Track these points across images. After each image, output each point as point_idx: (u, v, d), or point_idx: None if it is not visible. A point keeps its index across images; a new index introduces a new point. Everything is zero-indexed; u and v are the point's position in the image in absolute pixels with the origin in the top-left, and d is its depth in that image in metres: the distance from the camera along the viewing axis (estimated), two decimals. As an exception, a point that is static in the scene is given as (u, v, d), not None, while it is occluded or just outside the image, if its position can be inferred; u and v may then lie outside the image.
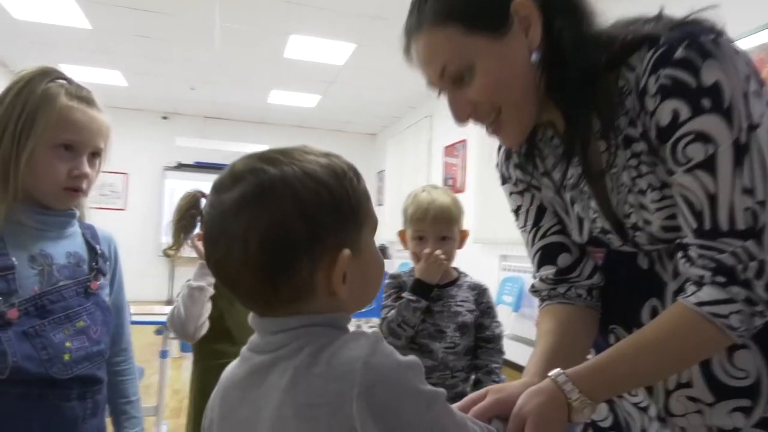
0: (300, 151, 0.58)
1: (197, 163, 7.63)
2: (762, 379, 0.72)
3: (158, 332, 2.78)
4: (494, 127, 0.77)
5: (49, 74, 0.95)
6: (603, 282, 0.89)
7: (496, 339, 1.53)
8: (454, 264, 1.58)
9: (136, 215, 7.50)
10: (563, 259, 0.88)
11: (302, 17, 4.32)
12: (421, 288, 1.47)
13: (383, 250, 7.36)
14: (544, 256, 0.90)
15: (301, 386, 0.52)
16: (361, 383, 0.49)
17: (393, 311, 1.48)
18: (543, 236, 0.90)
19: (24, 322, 0.87)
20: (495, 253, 4.78)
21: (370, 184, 8.36)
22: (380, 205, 8.07)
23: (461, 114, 0.76)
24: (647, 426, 0.83)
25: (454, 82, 0.74)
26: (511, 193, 0.94)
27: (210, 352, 1.61)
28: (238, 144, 7.86)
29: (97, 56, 5.50)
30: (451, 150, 5.81)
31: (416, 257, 1.51)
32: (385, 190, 7.85)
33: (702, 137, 0.64)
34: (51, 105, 0.91)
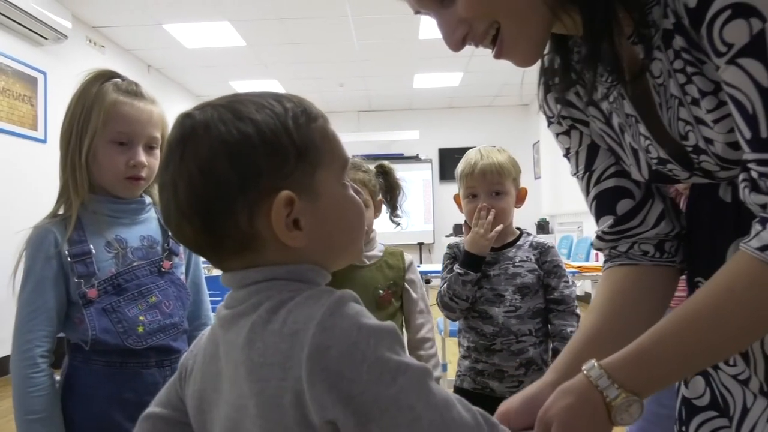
0: (250, 95, 0.55)
1: (356, 156, 8.04)
2: None
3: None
4: (497, 47, 0.63)
5: (103, 76, 1.05)
6: (676, 230, 0.72)
7: (568, 300, 1.39)
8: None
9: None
10: (623, 206, 0.72)
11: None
12: (470, 260, 1.40)
13: (543, 226, 7.01)
14: (601, 205, 0.75)
15: (255, 344, 0.49)
16: (312, 344, 0.45)
17: (445, 285, 1.44)
18: (598, 181, 0.75)
19: (103, 300, 1.00)
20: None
21: (525, 157, 8.06)
22: (538, 178, 7.70)
23: (453, 37, 0.64)
24: (750, 403, 0.65)
25: (436, 0, 0.63)
26: (558, 135, 0.79)
27: None
28: (391, 133, 8.12)
29: (255, 69, 6.08)
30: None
31: (470, 217, 1.42)
32: (541, 162, 7.46)
33: (742, 9, 0.48)
34: (101, 102, 1.01)
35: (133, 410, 0.98)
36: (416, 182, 8.05)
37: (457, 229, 7.05)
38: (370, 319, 0.48)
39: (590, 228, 5.79)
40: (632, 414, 0.55)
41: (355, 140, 8.04)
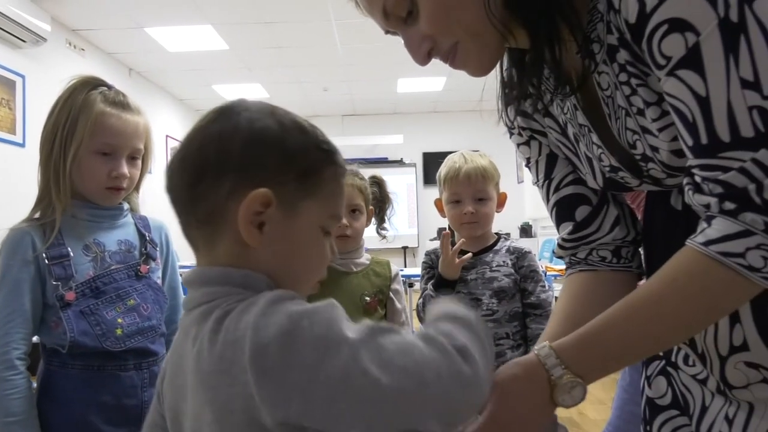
0: (298, 116, 0.60)
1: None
2: None
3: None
4: (451, 60, 0.67)
5: (89, 83, 1.05)
6: (632, 235, 0.75)
7: (544, 304, 1.41)
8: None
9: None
10: (581, 212, 0.75)
11: None
12: (442, 282, 1.42)
13: (526, 229, 7.07)
14: (561, 212, 0.78)
15: (203, 354, 0.50)
16: (251, 347, 0.45)
17: (421, 299, 1.46)
18: (557, 189, 0.78)
19: (81, 303, 1.00)
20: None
21: (509, 161, 8.12)
22: (521, 182, 7.76)
23: (419, 52, 0.67)
24: (708, 402, 0.67)
25: (401, 20, 0.66)
26: (518, 145, 0.83)
27: None
28: (375, 137, 8.13)
29: (238, 73, 6.06)
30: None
31: (454, 222, 1.45)
32: (524, 167, 7.54)
33: (678, 24, 0.50)
34: (88, 112, 1.01)
35: (110, 413, 1.00)
36: (400, 186, 8.07)
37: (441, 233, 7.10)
38: (303, 305, 0.48)
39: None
40: (574, 396, 0.56)
41: (340, 144, 7.98)
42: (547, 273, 3.88)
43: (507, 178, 8.03)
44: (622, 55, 0.58)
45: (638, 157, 0.63)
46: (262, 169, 0.53)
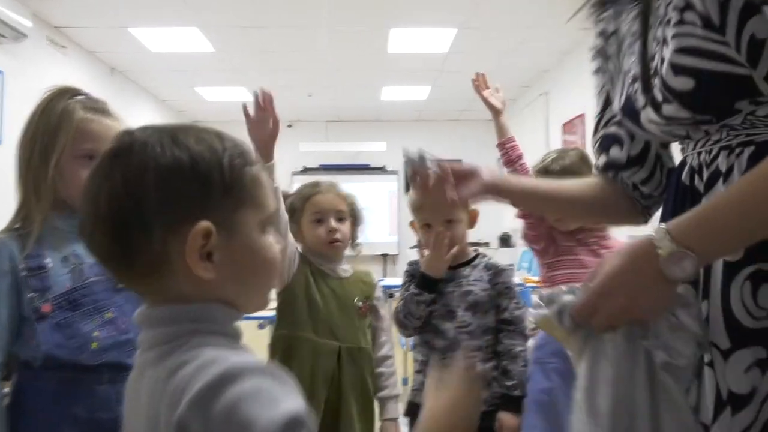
0: (194, 127, 0.57)
1: (321, 165, 8.03)
2: None
3: (260, 327, 2.94)
4: None
5: (67, 92, 1.05)
6: (656, 192, 0.84)
7: (517, 321, 1.45)
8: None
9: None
10: (614, 151, 0.85)
11: (398, 9, 4.34)
12: (425, 282, 1.45)
13: (506, 239, 7.13)
14: (600, 146, 0.88)
15: (152, 395, 0.50)
16: (179, 418, 0.46)
17: (401, 303, 1.49)
18: (605, 125, 0.87)
19: (57, 315, 0.98)
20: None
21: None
22: (502, 192, 7.84)
23: None
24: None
25: None
26: (594, 73, 0.89)
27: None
28: (358, 144, 8.15)
29: (223, 76, 6.03)
30: (569, 127, 5.45)
31: (427, 245, 1.49)
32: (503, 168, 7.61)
33: None
34: (69, 119, 1.01)
35: (84, 427, 0.98)
36: (382, 193, 8.09)
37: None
38: (252, 404, 0.46)
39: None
40: (684, 268, 0.58)
41: (323, 150, 8.06)
42: (526, 284, 3.89)
43: (488, 189, 8.16)
44: None
45: (652, 71, 0.68)
46: (186, 204, 0.52)
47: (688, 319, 0.61)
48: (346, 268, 1.55)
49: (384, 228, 8.07)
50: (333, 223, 1.50)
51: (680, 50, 0.62)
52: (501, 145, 1.89)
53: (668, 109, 0.66)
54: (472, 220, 1.54)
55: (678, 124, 0.68)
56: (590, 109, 4.27)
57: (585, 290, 0.63)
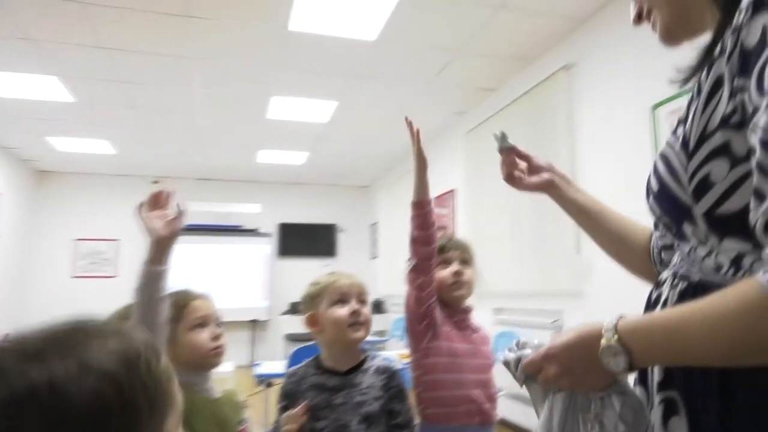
0: (82, 332, 0.45)
1: (190, 225, 7.58)
2: None
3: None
4: (652, 25, 0.77)
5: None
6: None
7: (410, 424, 1.41)
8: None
9: (127, 282, 7.39)
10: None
11: (281, 79, 4.35)
12: None
13: (378, 305, 7.20)
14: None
15: None
16: None
17: None
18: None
19: None
20: (488, 306, 4.64)
21: (364, 237, 8.33)
22: (374, 257, 7.96)
23: (633, 8, 0.80)
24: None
25: None
26: None
27: None
28: (232, 204, 7.86)
29: (83, 127, 5.54)
30: (440, 200, 5.75)
31: (342, 325, 1.41)
32: (379, 242, 7.77)
33: None
34: None
35: None
36: (254, 257, 7.82)
37: (294, 307, 6.92)
38: None
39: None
40: (617, 363, 0.62)
41: (192, 209, 7.63)
42: (402, 360, 3.81)
43: (361, 255, 8.24)
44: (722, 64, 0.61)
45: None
46: None
47: (622, 408, 0.66)
48: (214, 386, 1.41)
49: (255, 293, 7.75)
50: (216, 329, 1.37)
51: (661, 154, 0.69)
52: (421, 204, 1.56)
53: (650, 200, 0.73)
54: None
55: (656, 218, 0.75)
56: (461, 185, 4.62)
57: (538, 350, 0.71)
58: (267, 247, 7.90)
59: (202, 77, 4.29)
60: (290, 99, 4.79)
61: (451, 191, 5.46)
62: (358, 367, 1.44)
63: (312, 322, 1.47)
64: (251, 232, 7.88)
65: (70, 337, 0.44)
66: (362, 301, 1.47)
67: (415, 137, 1.55)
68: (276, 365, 3.38)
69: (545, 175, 1.06)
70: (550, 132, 3.75)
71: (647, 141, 2.90)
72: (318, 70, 4.18)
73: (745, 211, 0.59)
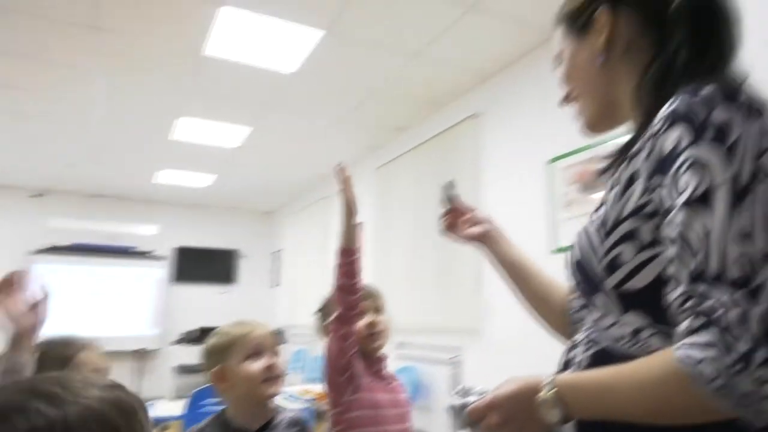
0: (81, 381, 0.50)
1: (75, 244, 6.99)
2: None
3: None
4: (576, 112, 0.91)
5: None
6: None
7: None
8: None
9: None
10: None
11: (189, 101, 4.21)
12: None
13: (279, 334, 7.04)
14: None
15: None
16: None
17: None
18: None
19: None
20: (391, 340, 4.70)
21: (266, 264, 8.13)
22: (276, 285, 7.80)
23: (559, 83, 0.93)
24: None
25: (558, 61, 0.92)
26: None
27: None
28: (126, 224, 7.37)
29: (-45, 131, 4.98)
30: (347, 232, 5.78)
31: (256, 379, 1.35)
32: (281, 270, 7.62)
33: (699, 165, 0.61)
34: None
35: None
36: (146, 281, 7.35)
37: (190, 336, 6.57)
38: None
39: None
40: (554, 415, 0.68)
41: (80, 228, 7.08)
42: (305, 397, 3.76)
43: (262, 282, 8.03)
44: (638, 162, 0.71)
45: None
46: None
47: None
48: None
49: (144, 320, 7.26)
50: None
51: (584, 229, 0.78)
52: (350, 252, 1.53)
53: (571, 267, 0.81)
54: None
55: (575, 283, 0.82)
56: (369, 218, 4.70)
57: (483, 398, 0.76)
58: (161, 271, 7.46)
59: (104, 91, 4.05)
60: (199, 121, 4.65)
61: (359, 224, 5.52)
62: (269, 424, 1.38)
63: (220, 377, 1.36)
64: (144, 254, 7.42)
65: (73, 381, 0.50)
66: (276, 352, 1.41)
67: (346, 185, 1.53)
68: (171, 407, 3.13)
69: (484, 227, 1.12)
70: (457, 174, 3.94)
71: (543, 191, 3.14)
72: (231, 96, 4.11)
73: (646, 289, 0.69)
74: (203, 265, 7.81)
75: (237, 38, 3.25)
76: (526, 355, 3.08)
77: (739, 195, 0.59)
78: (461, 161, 3.93)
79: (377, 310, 1.67)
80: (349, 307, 1.49)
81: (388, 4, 2.88)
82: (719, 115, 0.62)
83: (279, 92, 4.00)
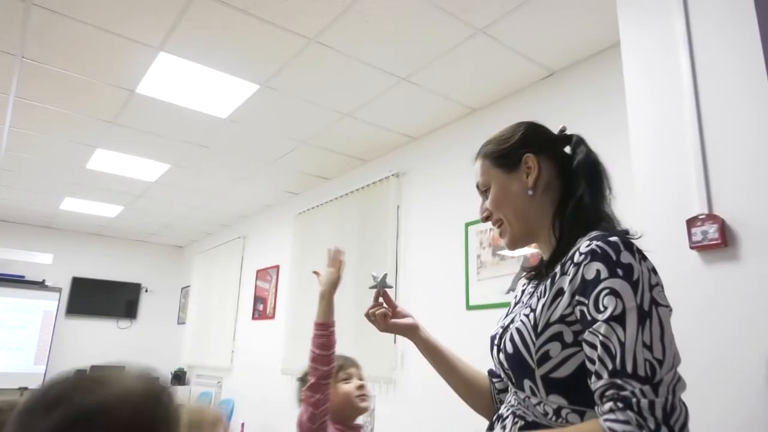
0: (116, 373, 0.62)
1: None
2: None
3: None
4: (500, 231, 1.10)
5: None
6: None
7: None
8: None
9: None
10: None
11: (111, 134, 4.11)
12: None
13: (180, 376, 6.74)
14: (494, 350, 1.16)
15: None
16: None
17: None
18: None
19: None
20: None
21: (173, 300, 7.81)
22: (182, 323, 7.50)
23: (481, 215, 1.13)
24: None
25: (482, 193, 1.12)
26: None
27: None
28: (15, 251, 6.81)
29: None
30: (263, 274, 5.76)
31: None
32: (188, 307, 7.35)
33: (615, 293, 0.83)
34: None
35: None
36: (35, 312, 6.80)
37: (79, 375, 6.11)
38: None
39: (230, 385, 5.81)
40: None
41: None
42: None
43: (167, 318, 7.69)
44: (559, 284, 0.93)
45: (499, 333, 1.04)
46: None
47: None
48: None
49: (30, 355, 6.68)
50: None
51: (516, 329, 0.96)
52: (327, 325, 1.66)
53: (500, 356, 1.00)
54: None
55: (502, 371, 1.02)
56: (286, 261, 4.74)
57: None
58: (53, 303, 6.94)
59: (20, 117, 3.86)
60: (117, 154, 4.52)
61: (276, 266, 5.53)
62: None
63: None
64: (36, 284, 6.88)
65: (110, 373, 0.61)
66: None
67: (338, 266, 1.70)
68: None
69: (411, 320, 1.28)
70: (379, 227, 4.12)
71: (461, 251, 3.39)
72: (156, 133, 4.06)
73: (567, 378, 0.91)
74: (101, 298, 7.37)
75: (172, 82, 3.28)
76: (436, 406, 3.25)
77: (642, 317, 0.82)
78: (384, 215, 4.12)
79: (361, 378, 1.82)
80: (322, 377, 1.60)
81: (326, 68, 3.05)
82: (625, 257, 0.86)
83: (206, 134, 4.02)
